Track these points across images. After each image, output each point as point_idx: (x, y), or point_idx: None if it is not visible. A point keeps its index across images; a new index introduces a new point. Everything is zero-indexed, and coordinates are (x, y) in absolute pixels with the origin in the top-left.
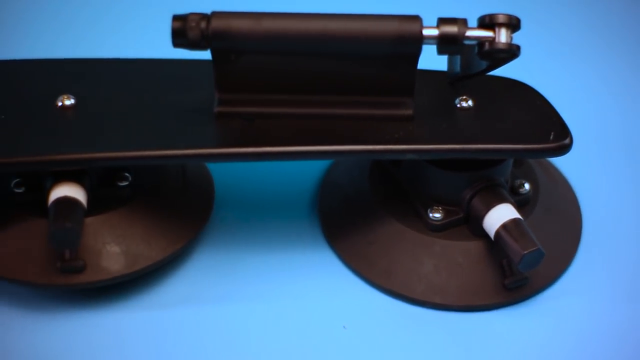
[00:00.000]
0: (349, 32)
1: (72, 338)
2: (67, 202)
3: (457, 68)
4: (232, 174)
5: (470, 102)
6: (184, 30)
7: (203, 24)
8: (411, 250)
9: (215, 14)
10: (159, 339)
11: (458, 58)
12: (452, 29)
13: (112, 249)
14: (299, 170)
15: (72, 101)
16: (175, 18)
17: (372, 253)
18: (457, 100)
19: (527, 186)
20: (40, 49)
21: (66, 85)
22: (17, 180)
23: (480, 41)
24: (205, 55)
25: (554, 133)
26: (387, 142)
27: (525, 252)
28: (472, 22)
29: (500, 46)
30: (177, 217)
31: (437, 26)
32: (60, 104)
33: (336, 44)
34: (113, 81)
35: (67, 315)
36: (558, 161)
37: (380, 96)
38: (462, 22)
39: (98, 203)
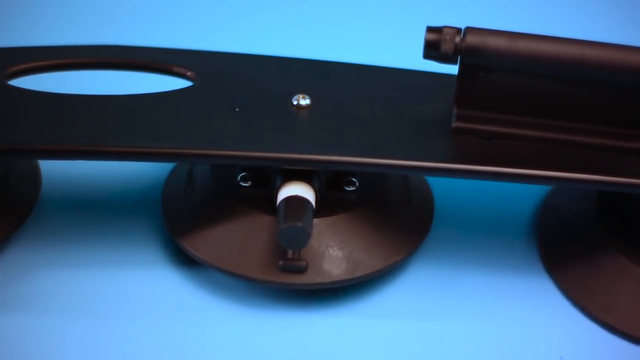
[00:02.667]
0: (608, 61)
1: (283, 337)
2: (298, 201)
3: None
4: (451, 189)
5: None
6: (438, 43)
7: (457, 39)
8: (636, 287)
9: (469, 29)
10: (367, 348)
11: None
12: None
13: (334, 252)
14: (519, 191)
15: (308, 101)
16: (430, 30)
17: (594, 286)
18: None
19: None
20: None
21: (303, 84)
22: (244, 174)
23: None
24: (432, 67)
25: None
26: (633, 176)
27: None
28: None
29: None
30: (399, 228)
31: None
32: (295, 102)
33: (592, 71)
34: (349, 86)
35: (281, 314)
36: None
37: (627, 128)
38: None
39: (324, 206)
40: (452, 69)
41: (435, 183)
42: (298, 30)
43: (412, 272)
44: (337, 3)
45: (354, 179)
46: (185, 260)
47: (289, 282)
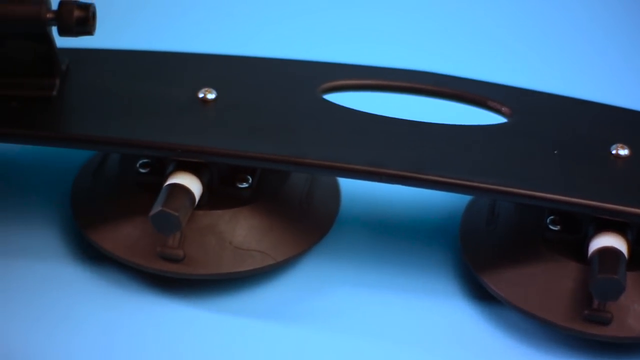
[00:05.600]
0: None
1: None
2: (614, 253)
3: None
4: None
5: None
6: None
7: None
8: None
9: None
10: None
11: None
12: None
13: (639, 308)
14: None
15: (627, 152)
16: None
17: None
18: None
19: None
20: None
21: (621, 133)
22: (553, 217)
23: None
24: None
25: None
26: None
27: None
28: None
29: None
30: None
31: None
32: (614, 152)
33: None
34: None
35: None
36: None
37: None
38: None
39: (632, 260)
40: None
41: None
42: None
43: None
44: None
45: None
46: (481, 295)
47: (591, 332)
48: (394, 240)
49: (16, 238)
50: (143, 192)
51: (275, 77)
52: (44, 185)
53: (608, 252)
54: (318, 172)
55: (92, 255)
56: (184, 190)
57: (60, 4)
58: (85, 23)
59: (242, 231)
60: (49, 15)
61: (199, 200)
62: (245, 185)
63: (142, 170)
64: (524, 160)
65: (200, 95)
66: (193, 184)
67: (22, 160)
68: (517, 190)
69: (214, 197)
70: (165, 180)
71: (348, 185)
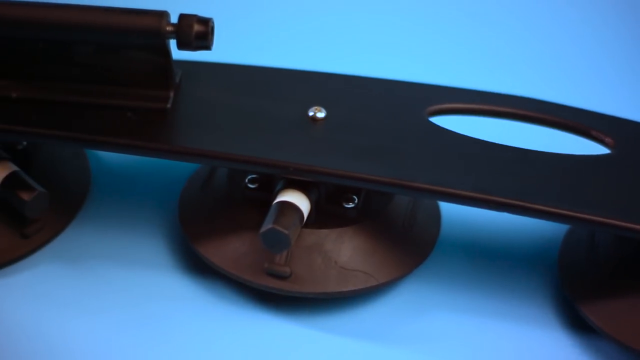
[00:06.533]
0: None
1: None
2: None
3: None
4: None
5: None
6: None
7: None
8: None
9: None
10: None
11: None
12: None
13: None
14: None
15: None
16: None
17: None
18: None
19: None
20: None
21: None
22: None
23: None
24: None
25: None
26: None
27: None
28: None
29: None
30: None
31: None
32: None
33: None
34: None
35: None
36: None
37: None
38: None
39: None
40: None
41: None
42: None
43: None
44: None
45: None
46: (579, 325)
47: None
48: (492, 265)
49: (124, 247)
50: (251, 207)
51: (383, 97)
52: (151, 195)
53: None
54: (425, 196)
55: (199, 267)
56: (294, 208)
57: (180, 18)
58: (204, 37)
59: (347, 251)
60: (168, 29)
61: (307, 219)
62: (351, 205)
63: (250, 186)
64: (627, 193)
65: (310, 113)
66: (302, 202)
67: (130, 170)
68: (619, 222)
69: (321, 216)
70: (274, 197)
71: (447, 208)
